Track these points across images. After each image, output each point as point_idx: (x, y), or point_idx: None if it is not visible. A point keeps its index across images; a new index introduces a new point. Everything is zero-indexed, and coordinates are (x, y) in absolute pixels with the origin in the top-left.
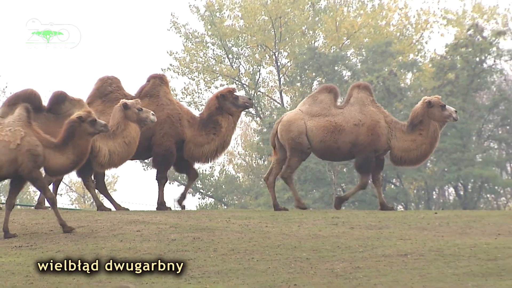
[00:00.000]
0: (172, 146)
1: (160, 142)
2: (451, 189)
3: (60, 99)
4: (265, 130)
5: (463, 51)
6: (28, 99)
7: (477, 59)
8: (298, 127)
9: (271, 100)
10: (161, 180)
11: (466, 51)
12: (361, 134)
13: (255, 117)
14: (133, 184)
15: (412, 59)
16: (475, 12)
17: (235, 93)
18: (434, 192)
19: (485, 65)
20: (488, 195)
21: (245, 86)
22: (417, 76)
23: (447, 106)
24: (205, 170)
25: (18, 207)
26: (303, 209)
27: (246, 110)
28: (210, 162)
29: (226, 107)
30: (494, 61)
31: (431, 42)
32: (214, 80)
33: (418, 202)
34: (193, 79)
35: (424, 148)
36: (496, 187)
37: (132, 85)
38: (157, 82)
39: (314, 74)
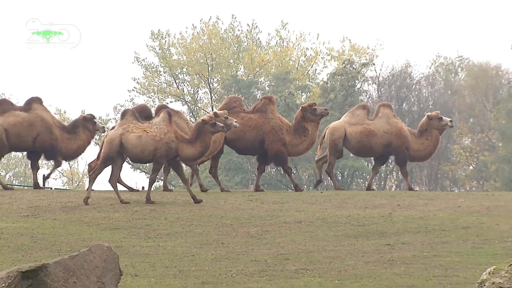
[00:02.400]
0: (281, 147)
1: (271, 147)
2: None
3: (160, 110)
4: None
5: (340, 78)
6: (141, 111)
7: (350, 83)
8: (340, 133)
9: (206, 112)
10: (288, 170)
11: (342, 78)
12: (393, 140)
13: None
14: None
15: (305, 83)
16: (351, 51)
17: (314, 106)
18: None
19: (356, 88)
20: (358, 180)
21: (187, 102)
22: (309, 96)
23: (443, 117)
24: None
25: (25, 188)
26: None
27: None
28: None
29: (307, 116)
30: (361, 85)
31: (320, 72)
32: (165, 98)
33: (309, 185)
34: (150, 97)
35: (429, 149)
36: (364, 174)
37: (110, 98)
38: (267, 102)
39: (236, 94)
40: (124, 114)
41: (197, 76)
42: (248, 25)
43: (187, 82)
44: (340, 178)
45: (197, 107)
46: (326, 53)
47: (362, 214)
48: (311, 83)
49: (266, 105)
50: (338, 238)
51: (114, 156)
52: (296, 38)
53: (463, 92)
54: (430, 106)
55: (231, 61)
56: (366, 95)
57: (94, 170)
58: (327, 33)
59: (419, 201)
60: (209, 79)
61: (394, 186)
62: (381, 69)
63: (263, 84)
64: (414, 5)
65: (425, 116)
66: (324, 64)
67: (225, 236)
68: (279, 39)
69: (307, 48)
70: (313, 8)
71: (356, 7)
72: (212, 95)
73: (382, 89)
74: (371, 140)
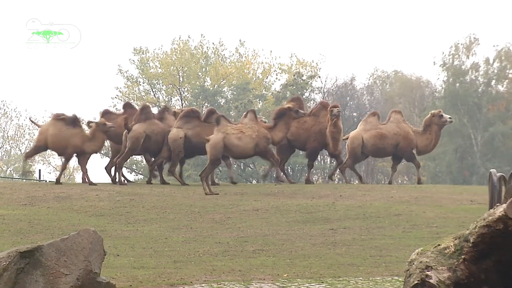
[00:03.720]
0: (318, 147)
1: (312, 143)
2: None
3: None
4: None
5: (291, 88)
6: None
7: (299, 93)
8: (358, 141)
9: None
10: (310, 163)
11: (292, 88)
12: (400, 141)
13: None
14: (95, 165)
15: (262, 92)
16: (299, 64)
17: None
18: (274, 173)
19: (304, 97)
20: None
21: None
22: (264, 103)
23: (444, 114)
24: (137, 157)
25: (24, 181)
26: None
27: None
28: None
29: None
30: (310, 94)
31: (274, 83)
32: None
33: (264, 179)
34: None
35: (433, 143)
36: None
37: (96, 103)
38: (321, 107)
39: (203, 101)
40: (218, 120)
41: (171, 86)
42: (214, 43)
43: (163, 91)
44: (291, 173)
45: None
46: (278, 67)
47: (310, 203)
48: (266, 92)
49: (320, 110)
50: (289, 223)
51: (220, 158)
52: (252, 54)
53: (394, 100)
54: (368, 112)
55: (199, 73)
56: (313, 103)
57: (203, 170)
58: (278, 50)
59: (358, 192)
60: (180, 89)
61: (337, 180)
62: (326, 80)
63: (227, 93)
64: (356, 23)
65: (429, 114)
66: (277, 76)
67: (193, 222)
68: (238, 56)
69: (262, 63)
70: (266, 28)
71: (302, 27)
72: (183, 102)
73: (327, 97)
74: (384, 142)
